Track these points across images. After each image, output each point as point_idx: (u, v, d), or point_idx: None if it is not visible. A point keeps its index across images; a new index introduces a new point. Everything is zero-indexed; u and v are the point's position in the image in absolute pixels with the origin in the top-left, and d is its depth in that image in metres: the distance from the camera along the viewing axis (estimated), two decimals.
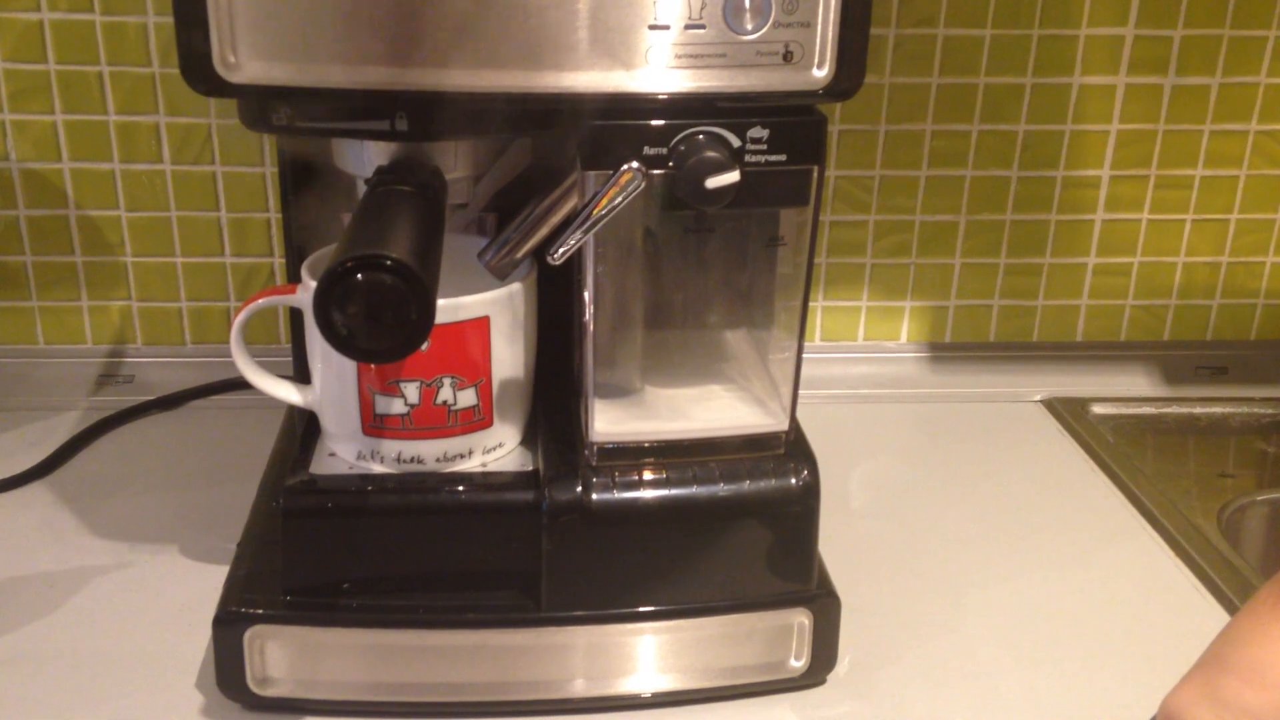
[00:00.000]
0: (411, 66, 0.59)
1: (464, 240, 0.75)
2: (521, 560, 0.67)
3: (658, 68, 0.60)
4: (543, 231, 0.70)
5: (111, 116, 0.98)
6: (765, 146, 0.62)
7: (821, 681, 0.71)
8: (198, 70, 0.59)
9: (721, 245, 0.69)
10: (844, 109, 1.03)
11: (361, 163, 0.69)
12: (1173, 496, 0.91)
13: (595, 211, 0.61)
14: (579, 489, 0.67)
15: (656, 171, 0.62)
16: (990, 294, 1.10)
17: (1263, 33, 1.03)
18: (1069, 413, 1.04)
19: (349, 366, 0.67)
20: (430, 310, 0.56)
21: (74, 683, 0.70)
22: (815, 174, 0.64)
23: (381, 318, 0.55)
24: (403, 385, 0.67)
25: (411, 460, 0.69)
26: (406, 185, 0.65)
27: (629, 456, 0.68)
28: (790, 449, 0.70)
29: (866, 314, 1.10)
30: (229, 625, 0.66)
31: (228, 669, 0.67)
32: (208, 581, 0.75)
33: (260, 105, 0.66)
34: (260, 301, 0.70)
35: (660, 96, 0.61)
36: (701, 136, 0.61)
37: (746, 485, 0.68)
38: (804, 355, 0.70)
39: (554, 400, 0.75)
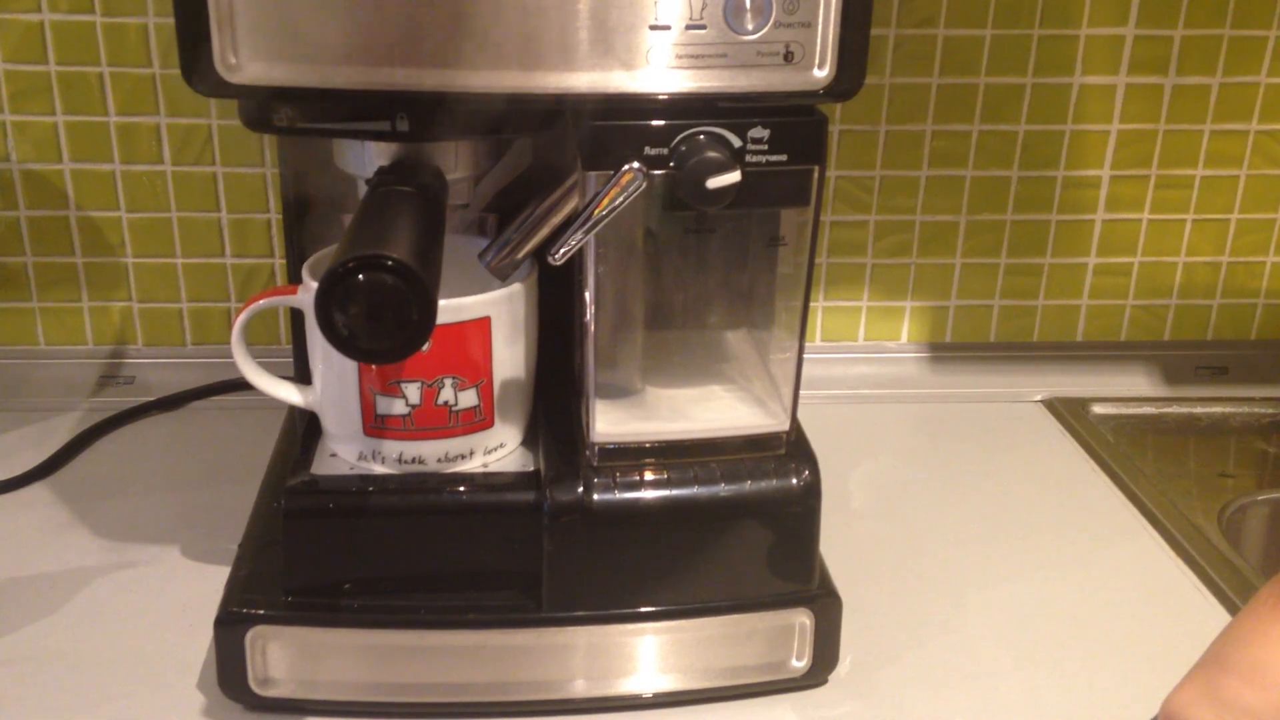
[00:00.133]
0: (412, 67, 0.59)
1: (465, 241, 0.75)
2: (522, 561, 0.67)
3: (659, 68, 0.60)
4: (543, 232, 0.70)
5: (112, 117, 0.98)
6: (766, 147, 0.62)
7: (823, 682, 0.72)
8: (199, 71, 0.59)
9: (722, 245, 0.69)
10: (844, 109, 1.03)
11: (362, 163, 0.69)
12: (1173, 496, 0.91)
13: (596, 212, 0.61)
14: (580, 489, 0.67)
15: (657, 172, 0.62)
16: (991, 294, 1.10)
17: (1263, 33, 1.03)
18: (1069, 413, 1.04)
19: (350, 367, 0.67)
20: (431, 311, 0.56)
21: (75, 683, 0.70)
22: (816, 174, 0.64)
23: (383, 318, 0.55)
24: (404, 386, 0.67)
25: (413, 461, 0.69)
26: (407, 186, 0.65)
27: (630, 457, 0.68)
28: (791, 449, 0.70)
29: (867, 314, 1.10)
30: (230, 626, 0.66)
31: (229, 669, 0.67)
32: (209, 582, 0.75)
33: (261, 106, 0.66)
34: (261, 302, 0.70)
35: (661, 97, 0.61)
36: (702, 137, 0.61)
37: (747, 485, 0.68)
38: (805, 355, 0.70)
39: (555, 401, 0.75)
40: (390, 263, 0.55)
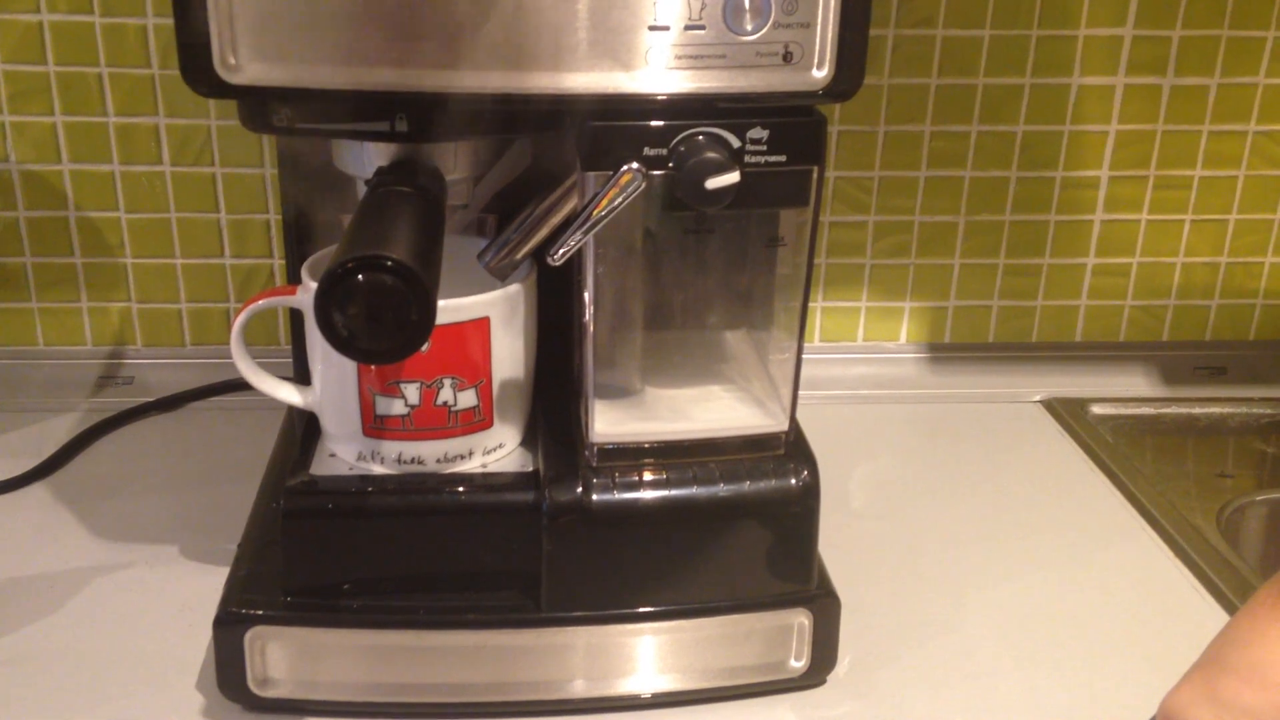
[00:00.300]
0: (411, 68, 0.59)
1: (464, 241, 0.75)
2: (522, 561, 0.67)
3: (657, 68, 0.60)
4: (543, 232, 0.70)
5: (111, 118, 0.98)
6: (765, 147, 0.62)
7: (821, 682, 0.72)
8: (198, 72, 0.59)
9: (721, 246, 0.69)
10: (843, 110, 1.03)
11: (361, 164, 0.69)
12: (1172, 497, 0.91)
13: (595, 212, 0.61)
14: (579, 490, 0.67)
15: (656, 172, 0.62)
16: (989, 294, 1.10)
17: (1261, 33, 1.03)
18: (1068, 413, 1.04)
19: (349, 367, 0.67)
20: (431, 311, 0.56)
21: (74, 683, 0.70)
22: (815, 174, 0.64)
23: (382, 318, 0.55)
24: (403, 386, 0.67)
25: (412, 461, 0.69)
26: (406, 186, 0.65)
27: (629, 457, 0.68)
28: (790, 449, 0.70)
29: (866, 314, 1.10)
30: (229, 626, 0.66)
31: (228, 670, 0.67)
32: (208, 582, 0.75)
33: (260, 106, 0.66)
34: (261, 303, 0.70)
35: (660, 97, 0.61)
36: (701, 137, 0.61)
37: (746, 486, 0.68)
38: (804, 356, 0.70)
39: (554, 401, 0.75)
40: (390, 263, 0.55)
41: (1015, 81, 1.03)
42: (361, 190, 0.69)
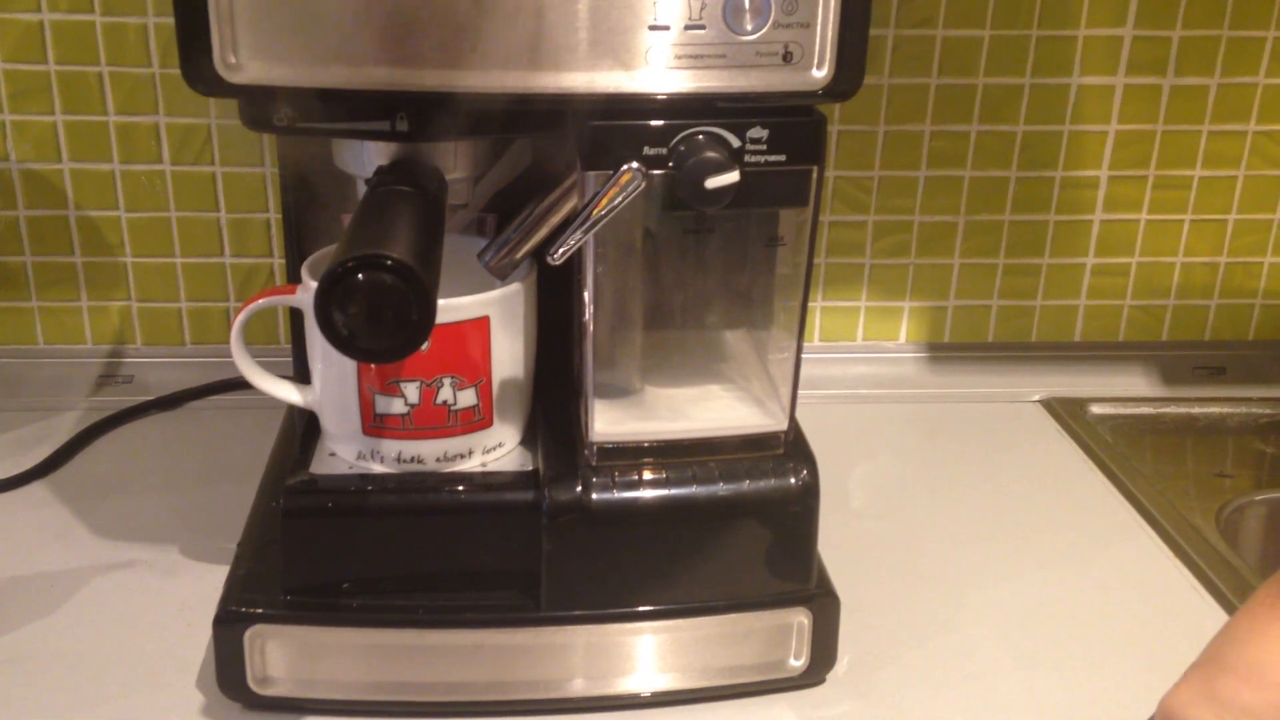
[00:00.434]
0: (412, 67, 0.59)
1: (464, 240, 0.75)
2: (521, 560, 0.67)
3: (657, 68, 0.60)
4: (542, 232, 0.70)
5: (111, 117, 0.98)
6: (765, 147, 0.62)
7: (821, 681, 0.72)
8: (198, 71, 0.59)
9: (721, 245, 0.69)
10: (843, 109, 1.03)
11: (362, 163, 0.69)
12: (1171, 496, 0.91)
13: (595, 212, 0.61)
14: (579, 489, 0.67)
15: (656, 172, 0.62)
16: (989, 294, 1.10)
17: (1261, 33, 1.03)
18: (1067, 413, 1.04)
19: (349, 366, 0.68)
20: (431, 310, 0.56)
21: (74, 682, 0.70)
22: (815, 174, 0.64)
23: (382, 318, 0.55)
24: (403, 385, 0.67)
25: (411, 460, 0.69)
26: (406, 185, 0.65)
27: (628, 456, 0.69)
28: (789, 449, 0.70)
29: (865, 314, 1.10)
30: (229, 625, 0.66)
31: (228, 669, 0.67)
32: (208, 581, 0.75)
33: (261, 105, 0.66)
34: (261, 302, 0.70)
35: (660, 97, 0.61)
36: (701, 137, 0.61)
37: (746, 485, 0.68)
38: (803, 355, 0.70)
39: (554, 400, 0.75)
40: (390, 262, 0.55)
41: (1015, 81, 1.03)
42: (362, 189, 0.69)
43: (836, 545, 0.77)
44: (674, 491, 0.68)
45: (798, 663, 0.70)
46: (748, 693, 0.71)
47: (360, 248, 0.55)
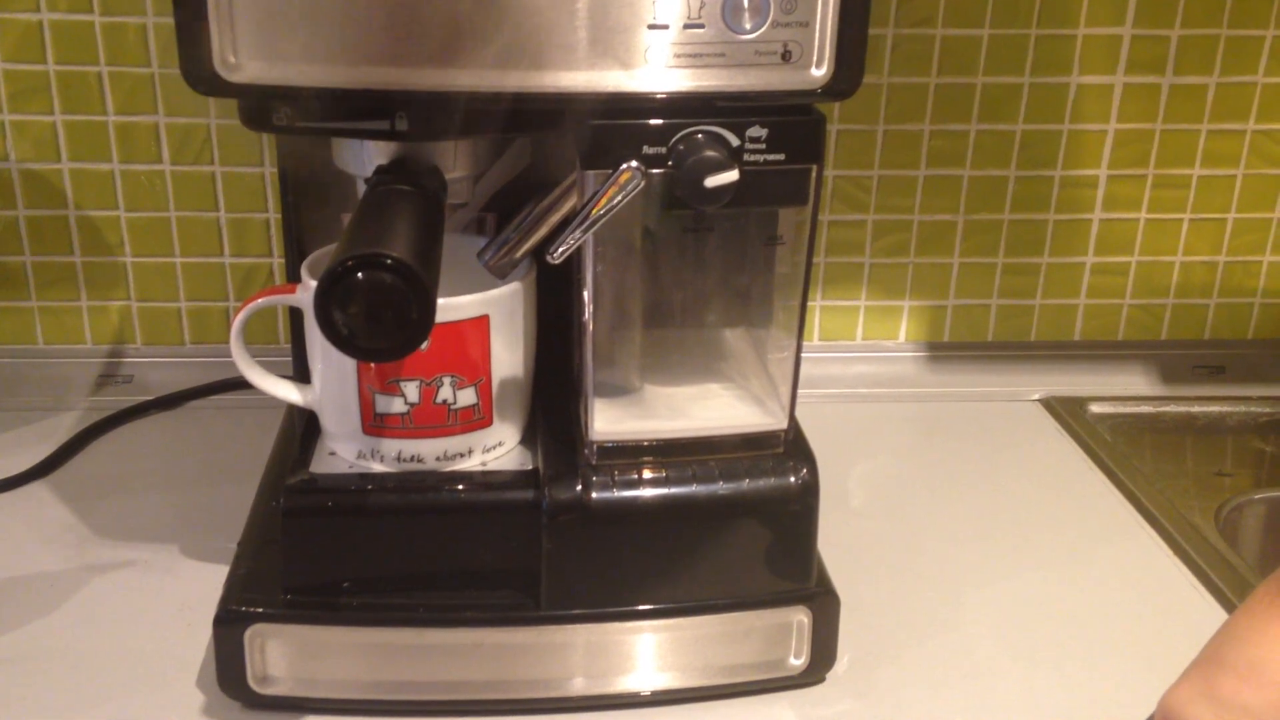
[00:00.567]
0: (411, 66, 0.59)
1: (463, 240, 0.75)
2: (521, 559, 0.68)
3: (657, 67, 0.60)
4: (542, 231, 0.70)
5: (111, 117, 0.98)
6: (764, 146, 0.62)
7: (820, 680, 0.72)
8: (198, 70, 0.59)
9: (720, 244, 0.69)
10: (842, 108, 1.03)
11: (361, 162, 0.69)
12: (1170, 495, 0.91)
13: (594, 211, 0.61)
14: (578, 488, 0.67)
15: (655, 171, 0.62)
16: (988, 293, 1.10)
17: (1260, 32, 1.03)
18: (1067, 412, 1.04)
19: (349, 366, 0.68)
20: (430, 309, 0.56)
21: (74, 682, 0.70)
22: (814, 173, 0.64)
23: (382, 317, 0.56)
24: (403, 384, 0.67)
25: (411, 459, 0.69)
26: (406, 185, 0.65)
27: (628, 455, 0.69)
28: (789, 448, 0.70)
29: (865, 313, 1.10)
30: (230, 624, 0.66)
31: (228, 668, 0.67)
32: (208, 581, 0.75)
33: (260, 105, 0.66)
34: (260, 301, 0.70)
35: (659, 96, 0.61)
36: (700, 136, 0.61)
37: (746, 484, 0.68)
38: (803, 354, 0.70)
39: (553, 399, 0.75)
40: (390, 261, 0.55)
41: (1014, 81, 1.03)
42: (361, 189, 0.69)
43: (836, 544, 0.77)
44: (674, 490, 0.68)
45: (798, 661, 0.70)
46: (748, 691, 0.71)
47: (360, 247, 0.55)
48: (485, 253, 0.71)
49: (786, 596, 0.69)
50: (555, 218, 0.69)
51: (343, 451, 0.71)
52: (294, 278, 0.75)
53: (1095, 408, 1.05)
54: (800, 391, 0.71)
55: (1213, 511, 0.90)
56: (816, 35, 0.60)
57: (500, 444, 0.72)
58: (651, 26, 0.59)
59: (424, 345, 0.60)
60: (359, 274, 0.55)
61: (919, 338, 1.11)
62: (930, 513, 0.90)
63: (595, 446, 0.68)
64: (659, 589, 0.68)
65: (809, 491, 0.69)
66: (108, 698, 0.69)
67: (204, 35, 0.58)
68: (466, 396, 0.69)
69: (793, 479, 0.69)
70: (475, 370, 0.69)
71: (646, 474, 0.68)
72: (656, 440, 0.69)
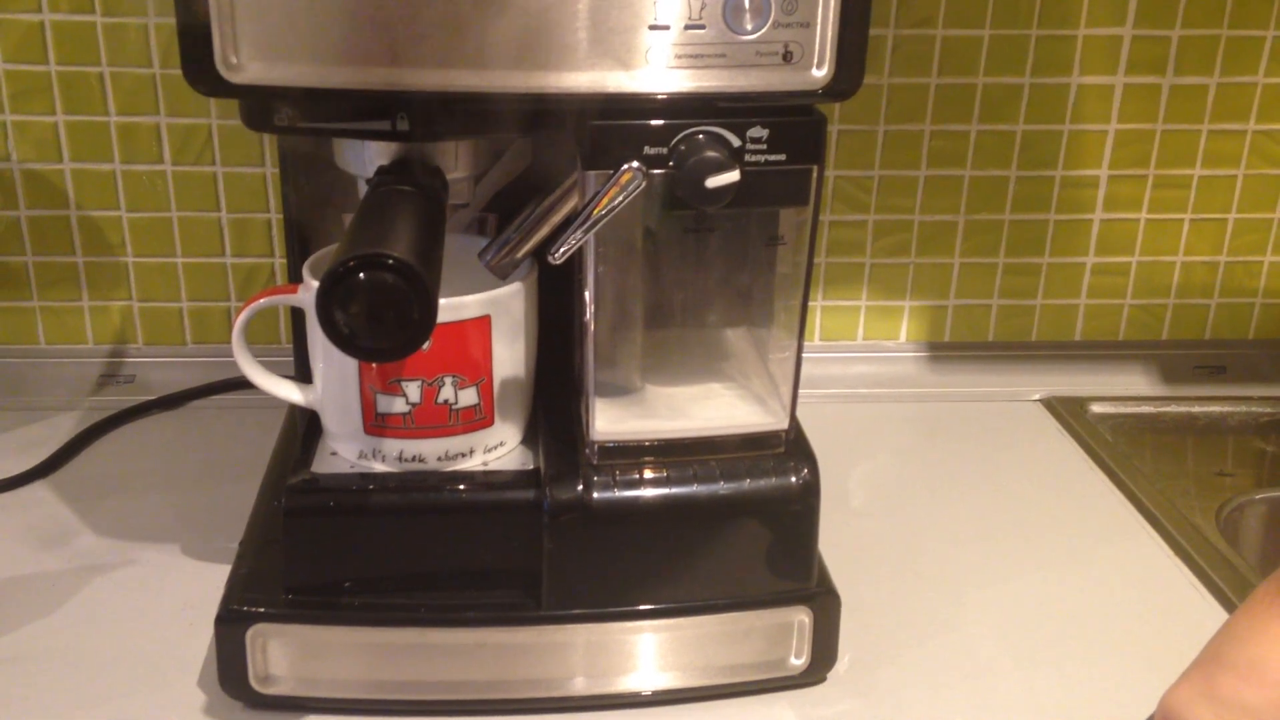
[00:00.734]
0: (412, 67, 0.59)
1: (465, 240, 0.75)
2: (522, 559, 0.68)
3: (658, 68, 0.60)
4: (543, 231, 0.70)
5: (112, 117, 0.98)
6: (765, 146, 0.62)
7: (821, 679, 0.72)
8: (200, 71, 0.59)
9: (721, 245, 0.69)
10: (843, 109, 1.03)
11: (362, 163, 0.69)
12: (1171, 495, 0.91)
13: (596, 211, 0.62)
14: (580, 488, 0.67)
15: (657, 171, 0.62)
16: (989, 293, 1.10)
17: (1260, 33, 1.03)
18: (1068, 412, 1.04)
19: (350, 366, 0.68)
20: (432, 309, 0.56)
21: (76, 682, 0.70)
22: (815, 174, 0.64)
23: (383, 317, 0.56)
24: (404, 384, 0.68)
25: (413, 459, 0.69)
26: (407, 185, 0.65)
27: (629, 455, 0.69)
28: (790, 448, 0.70)
29: (866, 313, 1.10)
30: (231, 624, 0.66)
31: (230, 667, 0.67)
32: (209, 581, 0.75)
33: (262, 105, 0.66)
34: (262, 301, 0.70)
35: (660, 96, 0.61)
36: (701, 136, 0.62)
37: (747, 484, 0.68)
38: (803, 354, 0.70)
39: (555, 399, 0.75)
40: (391, 262, 0.55)
41: (1015, 81, 1.03)
42: (363, 189, 0.69)
43: (837, 544, 0.77)
44: (675, 490, 0.68)
45: (798, 661, 0.71)
46: (748, 691, 0.71)
47: (362, 247, 0.56)
48: (486, 253, 0.71)
49: (787, 596, 0.69)
50: (556, 218, 0.69)
51: (344, 451, 0.71)
52: (295, 278, 0.75)
53: (1096, 408, 1.05)
54: (801, 391, 0.71)
55: (1213, 511, 0.90)
56: (817, 36, 0.60)
57: (502, 444, 0.72)
58: (652, 27, 0.59)
59: (425, 345, 0.60)
60: (361, 274, 0.55)
61: (920, 338, 1.12)
62: (931, 513, 0.90)
63: (596, 446, 0.69)
64: (660, 589, 0.68)
65: (810, 491, 0.69)
66: (109, 698, 0.69)
67: (205, 36, 0.58)
68: (468, 396, 0.69)
69: (794, 479, 0.69)
70: (477, 370, 0.69)
71: (648, 474, 0.68)
72: (658, 440, 0.69)
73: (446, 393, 0.68)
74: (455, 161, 0.70)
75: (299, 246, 0.78)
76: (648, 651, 0.69)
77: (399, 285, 0.55)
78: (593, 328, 0.67)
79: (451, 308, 0.66)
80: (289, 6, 0.58)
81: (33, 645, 0.73)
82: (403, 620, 0.67)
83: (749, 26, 0.60)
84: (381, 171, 0.67)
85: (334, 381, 0.69)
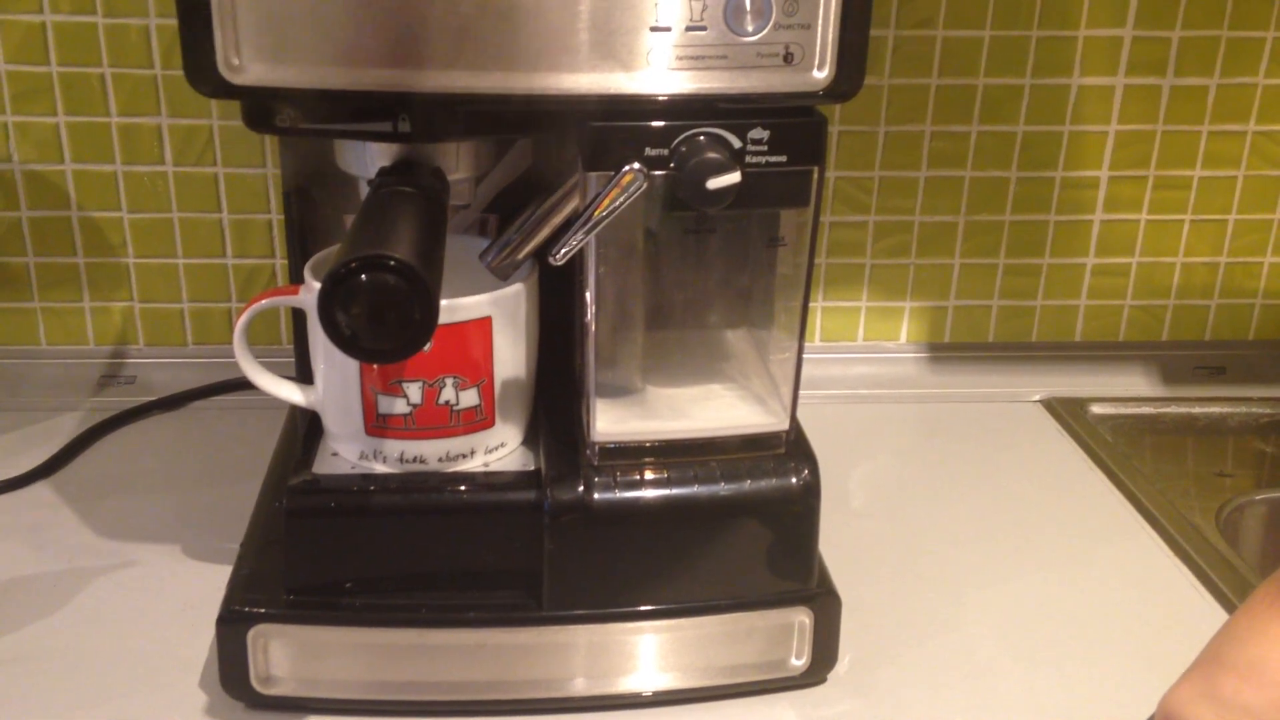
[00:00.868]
0: (414, 68, 0.59)
1: (466, 241, 0.75)
2: (523, 559, 0.68)
3: (659, 69, 0.60)
4: (544, 232, 0.70)
5: (114, 118, 0.98)
6: (766, 147, 0.62)
7: (822, 680, 0.72)
8: (202, 72, 0.59)
9: (722, 246, 0.69)
10: (844, 110, 1.03)
11: (364, 164, 0.69)
12: (1171, 496, 0.91)
13: (597, 212, 0.62)
14: (580, 488, 0.67)
15: (658, 172, 0.62)
16: (989, 294, 1.10)
17: (1260, 34, 1.03)
18: (1068, 413, 1.04)
19: (352, 367, 0.68)
20: (433, 311, 0.56)
21: (77, 682, 0.70)
22: (815, 175, 0.64)
23: (385, 318, 0.56)
24: (405, 385, 0.68)
25: (414, 460, 0.70)
26: (409, 186, 0.65)
27: (630, 456, 0.69)
28: (791, 448, 0.70)
29: (866, 314, 1.10)
30: (232, 624, 0.66)
31: (231, 668, 0.67)
32: (211, 581, 0.75)
33: (263, 107, 0.66)
34: (264, 302, 0.70)
35: (661, 98, 0.61)
36: (702, 138, 0.62)
37: (747, 485, 0.68)
38: (804, 355, 0.70)
39: (555, 400, 0.75)
40: (393, 263, 0.55)
41: (1015, 82, 1.03)
42: (364, 190, 0.69)
43: (837, 545, 0.77)
44: (675, 491, 0.68)
45: (799, 662, 0.71)
46: (749, 692, 0.71)
47: (363, 248, 0.56)
48: (488, 254, 0.72)
49: (788, 597, 0.70)
50: (557, 219, 0.69)
51: (345, 452, 0.71)
52: (296, 279, 0.75)
53: (1096, 408, 1.05)
54: (801, 392, 0.71)
55: (1213, 512, 0.90)
56: (818, 37, 0.60)
57: (502, 445, 0.72)
58: (654, 29, 0.59)
59: (427, 346, 0.60)
60: (362, 275, 0.55)
61: (920, 338, 1.12)
62: (931, 513, 0.90)
63: (597, 447, 0.69)
64: (661, 589, 0.68)
65: (810, 492, 0.69)
66: (110, 698, 0.69)
67: (207, 37, 0.58)
68: (469, 397, 0.69)
69: (794, 480, 0.69)
70: (478, 371, 0.69)
71: (648, 475, 0.68)
72: (658, 441, 0.69)
73: (447, 394, 0.68)
74: (456, 162, 0.70)
75: (300, 248, 0.78)
76: (648, 652, 0.69)
77: (401, 286, 0.55)
78: (594, 329, 0.67)
79: (453, 309, 0.66)
80: (291, 8, 0.58)
81: (34, 645, 0.73)
82: (404, 621, 0.67)
83: (750, 28, 0.60)
84: (383, 173, 0.68)
85: (335, 382, 0.69)
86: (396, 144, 0.68)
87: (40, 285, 1.03)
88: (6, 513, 0.86)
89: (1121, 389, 1.09)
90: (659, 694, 0.70)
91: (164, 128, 0.99)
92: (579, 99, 0.61)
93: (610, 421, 0.69)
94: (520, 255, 0.71)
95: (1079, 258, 1.10)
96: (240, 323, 0.70)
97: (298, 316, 0.78)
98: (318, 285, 0.56)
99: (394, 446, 0.69)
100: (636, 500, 0.67)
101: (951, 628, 0.77)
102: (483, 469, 0.71)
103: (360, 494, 0.68)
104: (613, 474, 0.68)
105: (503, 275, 0.71)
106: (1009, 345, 1.12)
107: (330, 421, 0.72)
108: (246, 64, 0.59)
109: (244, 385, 0.81)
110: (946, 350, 1.12)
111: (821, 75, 0.61)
